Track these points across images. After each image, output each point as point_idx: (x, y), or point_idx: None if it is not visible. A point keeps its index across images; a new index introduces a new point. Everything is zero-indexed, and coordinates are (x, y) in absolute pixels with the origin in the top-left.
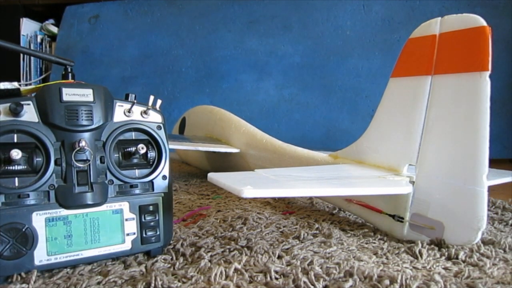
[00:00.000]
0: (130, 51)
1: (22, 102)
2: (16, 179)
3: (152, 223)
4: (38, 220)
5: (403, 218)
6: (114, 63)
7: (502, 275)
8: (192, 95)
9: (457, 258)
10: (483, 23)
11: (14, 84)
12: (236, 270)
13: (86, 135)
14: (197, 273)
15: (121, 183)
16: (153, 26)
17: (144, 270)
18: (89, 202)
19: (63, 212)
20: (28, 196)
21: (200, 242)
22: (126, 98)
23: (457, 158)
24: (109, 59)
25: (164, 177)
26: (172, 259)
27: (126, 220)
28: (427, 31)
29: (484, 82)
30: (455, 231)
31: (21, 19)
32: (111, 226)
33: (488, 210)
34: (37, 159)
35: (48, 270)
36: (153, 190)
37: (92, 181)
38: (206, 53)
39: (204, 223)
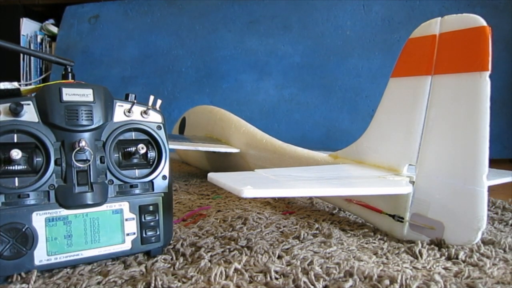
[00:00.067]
0: (130, 51)
1: (22, 102)
2: (16, 179)
3: (152, 223)
4: (38, 220)
5: (403, 218)
6: (114, 63)
7: (502, 275)
8: (192, 95)
9: (457, 258)
10: (483, 23)
11: (14, 84)
12: (236, 270)
13: (86, 135)
14: (197, 273)
15: (121, 183)
16: (153, 26)
17: (144, 270)
18: (89, 202)
19: (63, 212)
20: (28, 196)
21: (200, 242)
22: (126, 98)
23: (457, 158)
24: (109, 59)
25: (164, 177)
26: (172, 259)
27: (126, 220)
28: (427, 31)
29: (484, 82)
30: (455, 231)
31: (21, 19)
32: (111, 226)
33: (488, 210)
34: (37, 159)
35: (48, 270)
36: (153, 190)
37: (92, 181)
38: (206, 53)
39: (204, 223)
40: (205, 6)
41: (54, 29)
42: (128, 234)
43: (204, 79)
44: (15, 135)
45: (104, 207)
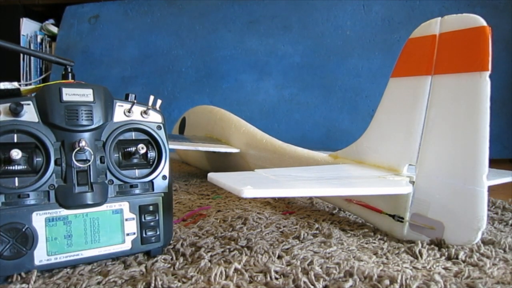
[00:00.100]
0: (130, 51)
1: (22, 102)
2: (16, 179)
3: (152, 223)
4: (38, 220)
5: (403, 218)
6: (114, 63)
7: (502, 275)
8: (192, 95)
9: (457, 258)
10: (483, 23)
11: (14, 84)
12: (236, 270)
13: (86, 135)
14: (197, 273)
15: (121, 183)
16: (153, 26)
17: (144, 270)
18: (89, 202)
19: (63, 212)
20: (28, 196)
21: (200, 242)
22: (126, 98)
23: (457, 158)
24: (109, 59)
25: (164, 177)
26: (172, 259)
27: (126, 220)
28: (427, 31)
29: (484, 82)
30: (455, 231)
31: (21, 19)
32: (111, 226)
33: (488, 210)
34: (37, 159)
35: (48, 270)
36: (153, 190)
37: (92, 181)
38: (206, 53)
39: (204, 223)
40: (205, 6)
41: (54, 29)
42: (128, 234)
43: (204, 79)
44: (15, 135)
45: (104, 207)
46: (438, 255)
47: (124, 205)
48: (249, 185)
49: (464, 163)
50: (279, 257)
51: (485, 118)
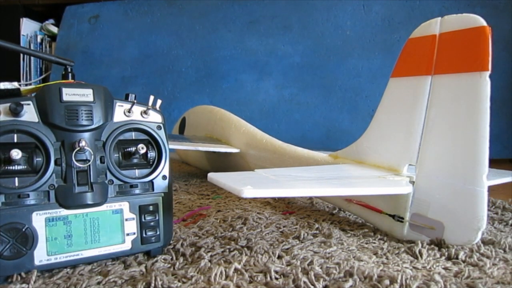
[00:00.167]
0: (130, 51)
1: (22, 102)
2: (16, 179)
3: (152, 223)
4: (38, 220)
5: (403, 218)
6: (114, 63)
7: (502, 275)
8: (192, 95)
9: (457, 258)
10: (483, 23)
11: (14, 84)
12: (236, 270)
13: (86, 135)
14: (197, 273)
15: (121, 183)
16: (153, 26)
17: (144, 270)
18: (89, 202)
19: (63, 212)
20: (28, 196)
21: (200, 242)
22: (126, 98)
23: (457, 158)
24: (109, 59)
25: (164, 177)
26: (172, 259)
27: (126, 220)
28: (427, 31)
29: (484, 82)
30: (455, 231)
31: (21, 19)
32: (111, 226)
33: (488, 210)
34: (37, 159)
35: (48, 270)
36: (153, 190)
37: (92, 181)
38: (206, 53)
39: (204, 223)
40: (205, 6)
41: (54, 29)
42: (128, 234)
43: (204, 79)
44: (15, 135)
45: (104, 207)
46: (438, 255)
47: (124, 205)
48: (249, 185)
49: (464, 163)
50: (279, 257)
51: (485, 118)
